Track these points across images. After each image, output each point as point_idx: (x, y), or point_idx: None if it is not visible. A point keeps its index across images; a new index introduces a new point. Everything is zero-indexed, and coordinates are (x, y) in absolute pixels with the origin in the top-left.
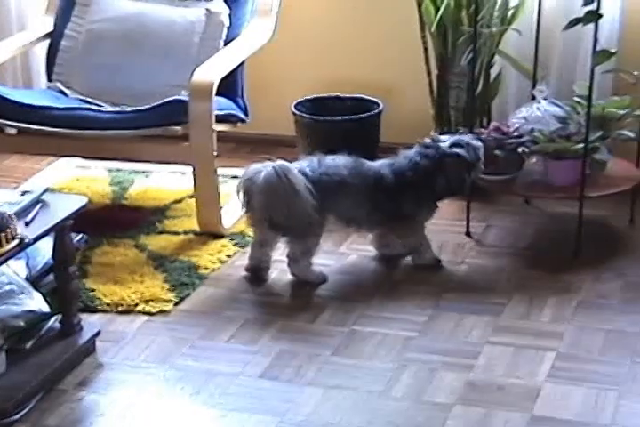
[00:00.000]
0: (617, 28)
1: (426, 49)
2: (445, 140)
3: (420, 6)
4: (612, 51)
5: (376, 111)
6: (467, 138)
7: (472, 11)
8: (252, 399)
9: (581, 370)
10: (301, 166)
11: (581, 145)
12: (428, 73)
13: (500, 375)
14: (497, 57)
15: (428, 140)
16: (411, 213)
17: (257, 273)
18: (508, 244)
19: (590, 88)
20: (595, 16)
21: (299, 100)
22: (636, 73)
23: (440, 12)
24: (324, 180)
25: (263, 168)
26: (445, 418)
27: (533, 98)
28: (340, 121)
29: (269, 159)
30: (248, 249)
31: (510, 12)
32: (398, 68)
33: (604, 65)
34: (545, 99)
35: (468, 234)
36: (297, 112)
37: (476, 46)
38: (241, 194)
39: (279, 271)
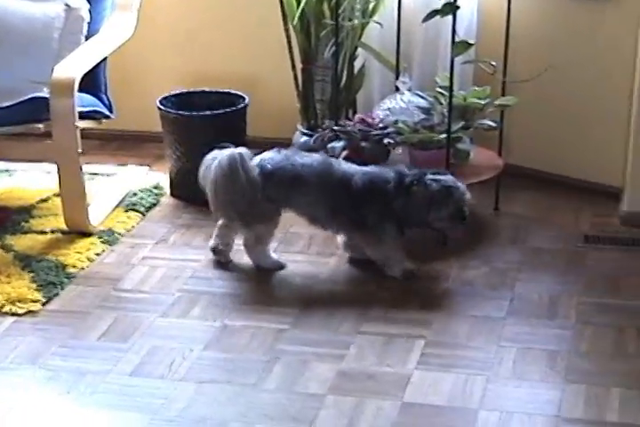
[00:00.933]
0: (475, 19)
1: (289, 42)
2: (444, 177)
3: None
4: (471, 42)
5: (242, 105)
6: (458, 184)
7: (333, 4)
8: (124, 397)
9: (450, 356)
10: (263, 158)
11: (445, 135)
12: (293, 66)
13: (371, 364)
14: (360, 50)
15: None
16: (373, 225)
17: (216, 254)
18: None
19: (451, 79)
20: (452, 8)
21: (164, 95)
22: (494, 63)
23: (302, 6)
24: (278, 173)
25: (219, 155)
26: (318, 408)
27: (397, 89)
28: (205, 116)
29: (227, 147)
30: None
31: (371, 5)
32: (263, 61)
33: (463, 56)
34: (409, 90)
35: None
36: (162, 108)
37: (339, 39)
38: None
39: (149, 268)
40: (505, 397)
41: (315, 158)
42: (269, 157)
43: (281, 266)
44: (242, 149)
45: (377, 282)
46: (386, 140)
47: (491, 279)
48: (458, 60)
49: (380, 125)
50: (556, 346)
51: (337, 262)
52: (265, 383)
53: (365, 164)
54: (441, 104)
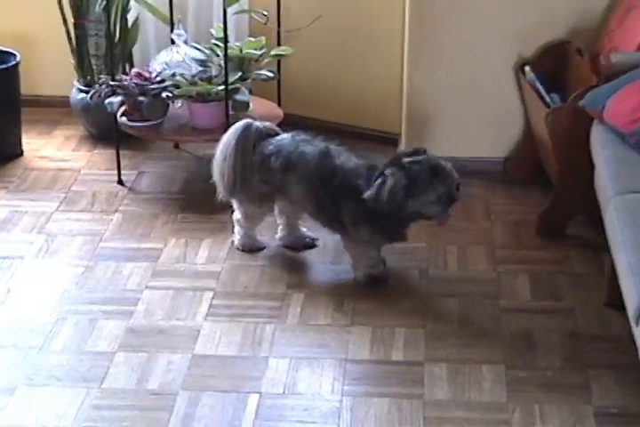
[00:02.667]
0: None
1: None
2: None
3: None
4: None
5: (13, 63)
6: (447, 166)
7: None
8: None
9: (239, 306)
10: (276, 139)
11: (222, 87)
12: (64, 21)
13: (161, 319)
14: (133, 2)
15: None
16: (349, 225)
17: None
18: (160, 189)
19: (225, 30)
20: None
21: None
22: (265, 13)
23: None
24: (274, 158)
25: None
26: (108, 366)
27: (173, 42)
28: None
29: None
30: None
31: None
32: (34, 16)
33: (235, 7)
34: (185, 43)
35: (120, 182)
36: None
37: None
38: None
39: None
40: (294, 343)
41: (315, 148)
42: (279, 138)
43: (259, 248)
44: (262, 124)
45: (163, 237)
46: (164, 94)
47: (276, 230)
48: (231, 10)
49: (158, 79)
50: (342, 290)
51: (121, 219)
52: (52, 345)
53: (146, 120)
54: (217, 56)
